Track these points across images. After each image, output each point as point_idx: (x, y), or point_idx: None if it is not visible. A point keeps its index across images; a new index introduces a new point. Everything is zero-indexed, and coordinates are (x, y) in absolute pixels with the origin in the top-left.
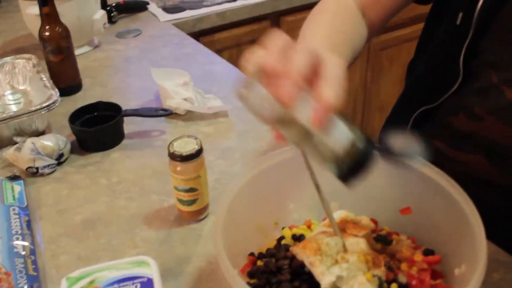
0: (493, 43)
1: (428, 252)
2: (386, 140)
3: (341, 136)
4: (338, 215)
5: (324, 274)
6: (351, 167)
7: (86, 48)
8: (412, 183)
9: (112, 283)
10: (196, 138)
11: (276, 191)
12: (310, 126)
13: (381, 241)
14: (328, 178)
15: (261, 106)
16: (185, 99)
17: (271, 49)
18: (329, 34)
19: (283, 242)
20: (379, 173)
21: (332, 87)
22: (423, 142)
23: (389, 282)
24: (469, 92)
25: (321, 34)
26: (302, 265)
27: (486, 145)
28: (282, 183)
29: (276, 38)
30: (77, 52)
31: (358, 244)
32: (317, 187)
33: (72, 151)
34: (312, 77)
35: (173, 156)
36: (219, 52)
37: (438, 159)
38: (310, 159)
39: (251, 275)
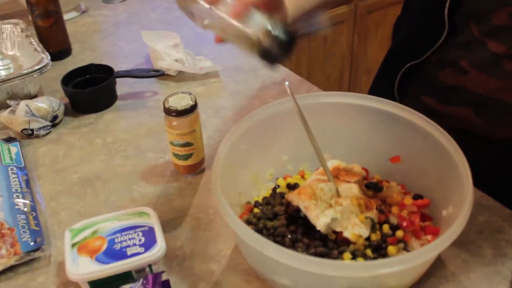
0: None
1: (417, 197)
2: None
3: (258, 22)
4: (331, 164)
5: (319, 217)
6: (270, 49)
7: (73, 14)
8: (401, 132)
9: (115, 233)
10: (190, 94)
11: (270, 143)
12: (232, 19)
13: (372, 188)
14: (321, 131)
15: (194, 8)
16: (176, 60)
17: None
18: None
19: (278, 191)
20: (369, 124)
21: None
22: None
23: (381, 224)
24: (454, 46)
25: None
26: (297, 210)
27: (473, 98)
28: (276, 136)
29: None
30: (65, 17)
31: (350, 189)
32: (310, 134)
33: (66, 113)
34: None
35: (169, 111)
36: None
37: (427, 114)
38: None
39: (248, 222)
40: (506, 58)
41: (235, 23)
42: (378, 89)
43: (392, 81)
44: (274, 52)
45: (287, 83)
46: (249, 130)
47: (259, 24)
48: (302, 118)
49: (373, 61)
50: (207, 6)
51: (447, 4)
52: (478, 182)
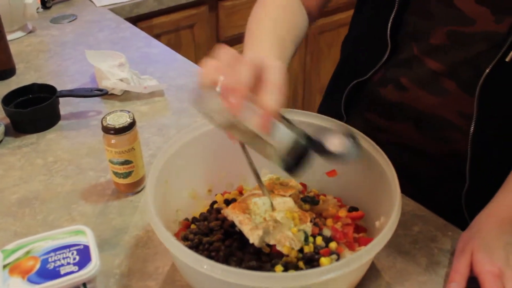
0: (412, 15)
1: (352, 209)
2: (323, 138)
3: (283, 136)
4: (268, 178)
5: (252, 230)
6: (294, 161)
7: (19, 33)
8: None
9: (48, 252)
10: (129, 112)
11: (209, 159)
12: (257, 130)
13: (309, 201)
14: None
15: (215, 114)
16: (121, 80)
17: (220, 63)
18: (274, 31)
19: (215, 206)
20: None
21: (272, 94)
22: (355, 141)
23: (315, 236)
24: (396, 64)
25: (266, 32)
26: (233, 225)
27: (413, 114)
28: (215, 151)
29: (224, 52)
30: (9, 37)
31: (285, 203)
32: (244, 150)
33: (7, 133)
34: (258, 83)
35: (107, 130)
36: (157, 36)
37: (371, 131)
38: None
39: (185, 238)
40: (444, 76)
41: (262, 135)
42: (326, 106)
43: (339, 98)
44: (300, 162)
45: None
46: (186, 145)
47: (285, 137)
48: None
49: (326, 80)
50: (228, 116)
51: (389, 24)
52: (417, 196)
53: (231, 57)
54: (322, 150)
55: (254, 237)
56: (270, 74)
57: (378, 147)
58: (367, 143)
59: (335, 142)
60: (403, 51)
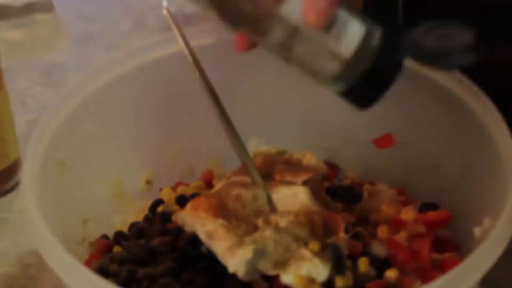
0: None
1: (428, 207)
2: (415, 33)
3: (349, 31)
4: (260, 152)
5: (233, 249)
6: (367, 76)
7: None
8: (399, 89)
9: None
10: None
11: (144, 122)
12: (302, 21)
13: (341, 195)
14: (240, 94)
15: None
16: None
17: None
18: None
19: (160, 209)
20: None
21: None
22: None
23: (356, 257)
24: None
25: None
26: (194, 242)
27: None
28: (154, 108)
29: None
30: None
31: (295, 196)
32: (216, 101)
33: None
34: None
35: None
36: None
37: None
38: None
39: (102, 271)
40: None
41: (314, 31)
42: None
43: None
44: (377, 81)
45: (165, 3)
46: (98, 98)
47: (355, 31)
48: (198, 67)
49: None
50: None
51: None
52: None
53: None
54: (422, 49)
55: (236, 262)
56: None
57: (478, 89)
58: (454, 81)
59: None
60: None
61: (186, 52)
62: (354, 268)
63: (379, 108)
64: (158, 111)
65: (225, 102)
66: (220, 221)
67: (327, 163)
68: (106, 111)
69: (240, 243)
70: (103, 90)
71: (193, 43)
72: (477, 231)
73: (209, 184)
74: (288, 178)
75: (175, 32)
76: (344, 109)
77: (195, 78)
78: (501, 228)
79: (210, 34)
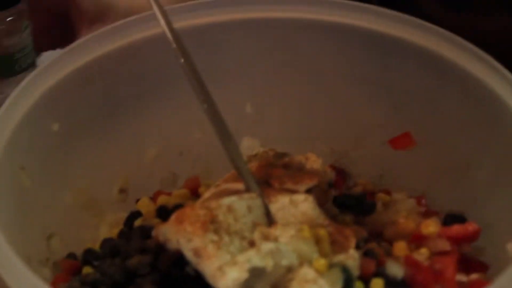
0: None
1: (452, 219)
2: None
3: None
4: (256, 152)
5: (224, 270)
6: None
7: None
8: (410, 75)
9: None
10: None
11: (119, 119)
12: None
13: (351, 206)
14: (232, 83)
15: None
16: None
17: None
18: None
19: (137, 223)
20: (343, 65)
21: None
22: None
23: (368, 278)
24: None
25: None
26: (179, 259)
27: None
28: (131, 100)
29: None
30: None
31: (297, 206)
32: (204, 94)
33: None
34: None
35: None
36: None
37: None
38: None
39: None
40: None
41: None
42: None
43: None
44: None
45: None
46: (56, 96)
47: None
48: (182, 53)
49: None
50: None
51: None
52: None
53: None
54: None
55: (228, 285)
56: None
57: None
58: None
59: None
60: None
61: (169, 35)
62: None
63: (396, 101)
64: (131, 106)
65: (214, 94)
66: (210, 236)
67: (334, 167)
68: (67, 108)
69: (233, 262)
70: (62, 84)
71: (177, 24)
72: (510, 247)
73: (194, 193)
74: (289, 185)
75: (154, 9)
76: (354, 103)
77: (178, 66)
78: None
79: (198, 13)
